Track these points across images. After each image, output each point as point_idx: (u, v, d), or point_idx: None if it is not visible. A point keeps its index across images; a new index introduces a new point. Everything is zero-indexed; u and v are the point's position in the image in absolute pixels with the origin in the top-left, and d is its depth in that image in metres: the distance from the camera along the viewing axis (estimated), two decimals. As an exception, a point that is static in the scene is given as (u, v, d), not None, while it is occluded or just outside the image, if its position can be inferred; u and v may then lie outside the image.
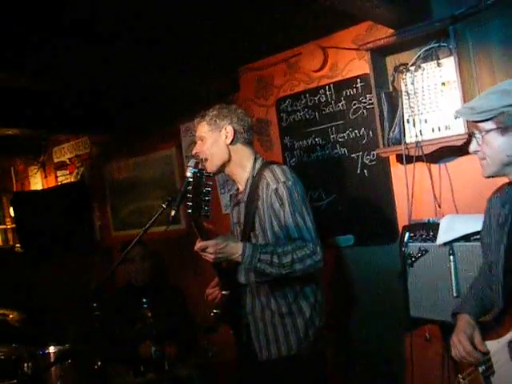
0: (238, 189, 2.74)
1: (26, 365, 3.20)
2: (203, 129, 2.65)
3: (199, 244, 2.37)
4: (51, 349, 3.19)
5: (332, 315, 2.82)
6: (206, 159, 2.62)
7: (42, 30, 2.88)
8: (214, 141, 2.62)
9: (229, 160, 2.64)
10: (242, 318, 2.64)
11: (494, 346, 1.97)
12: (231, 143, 2.62)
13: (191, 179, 2.48)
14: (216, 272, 2.66)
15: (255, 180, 2.56)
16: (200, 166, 2.58)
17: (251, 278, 2.54)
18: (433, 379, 3.01)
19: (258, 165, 2.63)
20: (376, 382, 3.36)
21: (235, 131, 2.62)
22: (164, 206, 2.65)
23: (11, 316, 4.91)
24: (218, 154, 2.63)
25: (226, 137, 2.61)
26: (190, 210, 2.31)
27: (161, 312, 3.53)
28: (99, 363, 3.17)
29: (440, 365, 2.95)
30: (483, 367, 1.99)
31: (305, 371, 2.55)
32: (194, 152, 2.69)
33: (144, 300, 3.52)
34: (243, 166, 2.65)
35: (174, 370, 3.45)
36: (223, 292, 2.65)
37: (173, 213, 2.51)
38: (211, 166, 2.63)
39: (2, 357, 3.45)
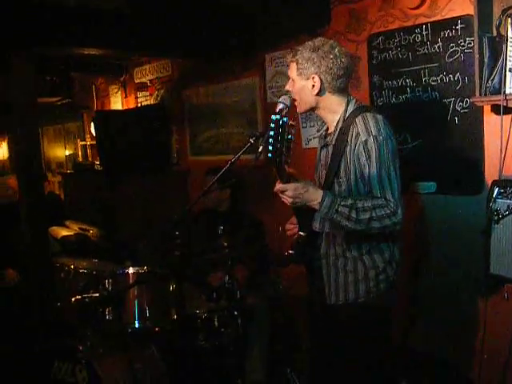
0: (327, 129, 2.66)
1: (106, 281, 3.35)
2: (293, 70, 2.53)
3: (278, 186, 2.32)
4: (130, 270, 3.31)
5: (406, 264, 2.78)
6: (295, 100, 2.55)
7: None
8: (302, 87, 2.51)
9: (316, 107, 2.56)
10: (315, 260, 2.64)
11: None
12: (318, 94, 2.50)
13: (279, 116, 2.47)
14: (294, 213, 2.66)
15: (345, 124, 2.47)
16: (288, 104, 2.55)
17: (326, 227, 2.51)
18: (505, 340, 2.97)
19: (350, 108, 2.51)
20: (446, 338, 3.34)
21: (322, 82, 2.47)
22: (252, 140, 2.63)
23: (91, 232, 5.17)
24: (304, 100, 2.54)
25: (313, 86, 2.48)
26: (270, 154, 2.24)
27: (237, 240, 3.60)
28: (174, 286, 3.31)
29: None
30: None
31: (369, 321, 2.53)
32: (286, 88, 2.60)
33: (221, 227, 3.60)
34: (334, 110, 2.55)
35: (244, 299, 3.55)
36: (300, 233, 2.65)
37: (260, 148, 2.50)
38: (299, 108, 2.58)
39: (85, 271, 3.65)
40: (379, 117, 2.41)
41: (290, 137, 2.23)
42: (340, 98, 2.54)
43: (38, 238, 4.05)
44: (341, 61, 2.47)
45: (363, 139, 2.36)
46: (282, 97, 2.56)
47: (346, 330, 2.54)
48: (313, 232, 2.60)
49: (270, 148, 2.21)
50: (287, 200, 2.34)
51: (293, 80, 2.55)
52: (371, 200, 2.33)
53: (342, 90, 2.53)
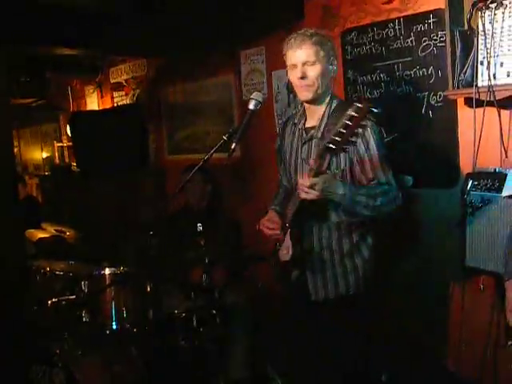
0: (304, 123, 2.66)
1: (83, 283, 3.32)
2: (315, 53, 2.46)
3: (310, 180, 2.25)
4: (107, 270, 3.29)
5: (384, 256, 2.79)
6: (312, 84, 2.49)
7: None
8: (325, 71, 2.51)
9: (325, 93, 2.57)
10: (300, 256, 2.62)
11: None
12: (332, 78, 2.59)
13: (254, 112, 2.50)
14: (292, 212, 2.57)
15: (332, 118, 2.48)
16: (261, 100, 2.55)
17: (341, 216, 2.53)
18: (482, 331, 2.99)
19: (334, 103, 2.57)
20: (424, 328, 3.35)
21: (336, 67, 2.60)
22: (225, 137, 2.60)
23: (68, 233, 5.12)
24: (325, 85, 2.53)
25: (334, 71, 2.58)
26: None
27: (214, 238, 3.58)
28: (151, 286, 3.29)
29: (490, 317, 2.92)
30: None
31: (359, 311, 2.58)
32: (299, 76, 2.49)
33: (198, 225, 3.58)
34: (323, 101, 2.57)
35: (223, 297, 3.54)
36: (286, 224, 2.58)
37: (233, 145, 2.51)
38: (313, 95, 2.52)
39: (61, 273, 3.60)
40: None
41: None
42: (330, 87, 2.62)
43: (13, 240, 3.99)
44: None
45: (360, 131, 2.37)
46: (255, 93, 2.60)
47: (336, 323, 2.53)
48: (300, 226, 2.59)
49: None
50: (314, 194, 2.27)
51: (313, 63, 2.48)
52: (380, 187, 2.43)
53: None
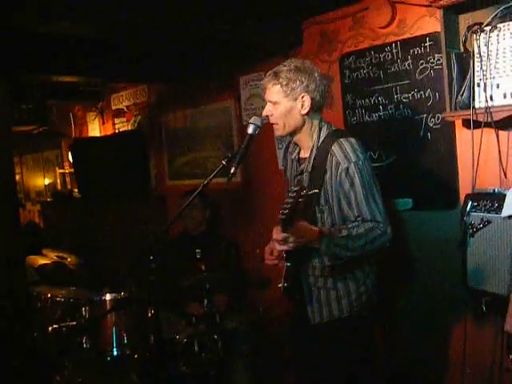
0: (298, 152, 2.67)
1: (83, 309, 3.31)
2: (276, 92, 2.48)
3: (281, 236, 2.26)
4: (107, 296, 3.28)
5: (385, 279, 2.78)
6: (277, 124, 2.53)
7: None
8: (289, 109, 2.48)
9: (300, 129, 2.54)
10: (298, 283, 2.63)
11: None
12: (307, 113, 2.50)
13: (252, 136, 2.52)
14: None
15: (320, 151, 2.48)
16: (260, 124, 2.56)
17: (325, 261, 2.49)
18: (485, 353, 2.96)
19: (323, 133, 2.53)
20: (426, 350, 3.32)
21: (312, 100, 2.47)
22: (224, 162, 2.60)
23: (69, 259, 5.12)
24: (291, 123, 2.51)
25: (303, 106, 2.47)
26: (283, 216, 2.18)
27: (214, 264, 3.58)
28: (152, 312, 3.27)
29: (494, 339, 2.89)
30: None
31: (354, 333, 2.55)
32: (264, 114, 2.55)
33: (197, 250, 3.58)
34: (311, 133, 2.56)
35: (224, 323, 3.52)
36: (287, 264, 2.58)
37: (232, 169, 2.51)
38: (281, 131, 2.55)
39: (62, 299, 3.60)
40: (353, 141, 2.46)
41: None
42: (318, 119, 2.57)
43: (14, 267, 3.99)
44: (323, 79, 2.54)
45: (344, 167, 2.39)
46: (253, 117, 2.60)
47: (332, 346, 2.54)
48: (299, 262, 2.57)
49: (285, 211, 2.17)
50: (288, 247, 2.31)
51: (275, 103, 2.51)
52: (363, 225, 2.37)
53: (321, 110, 2.58)
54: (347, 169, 2.38)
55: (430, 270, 3.30)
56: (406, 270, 3.46)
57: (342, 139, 2.45)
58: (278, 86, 2.47)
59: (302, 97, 2.46)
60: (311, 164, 2.52)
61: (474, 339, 3.03)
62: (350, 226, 2.40)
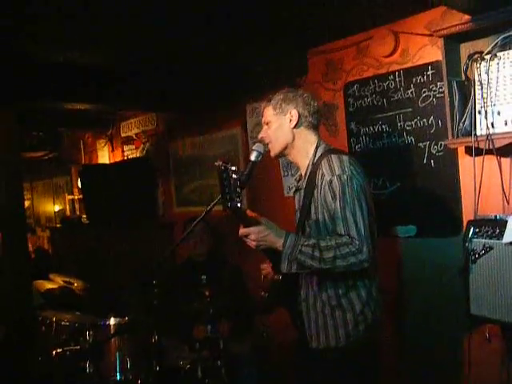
0: (300, 174, 2.71)
1: (88, 333, 3.31)
2: (269, 113, 2.63)
3: (241, 230, 2.36)
4: (111, 321, 3.29)
5: (389, 307, 2.77)
6: (270, 142, 2.62)
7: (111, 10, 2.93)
8: (279, 125, 2.60)
9: (292, 144, 2.61)
10: (296, 304, 2.64)
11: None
12: (295, 127, 2.58)
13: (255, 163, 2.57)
14: (266, 256, 2.64)
15: (314, 167, 2.53)
16: (262, 151, 2.61)
17: (293, 268, 2.43)
18: (490, 381, 2.93)
19: (319, 152, 2.57)
20: (431, 380, 3.29)
21: (300, 115, 2.58)
22: None
23: (76, 284, 5.13)
24: (281, 137, 2.60)
25: (291, 120, 2.58)
26: (225, 204, 2.25)
27: (218, 289, 3.58)
28: (156, 337, 3.27)
29: (499, 367, 2.86)
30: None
31: (352, 364, 2.51)
32: (259, 136, 2.67)
33: (203, 276, 3.58)
34: (306, 151, 2.61)
35: (228, 348, 3.50)
36: (275, 276, 2.64)
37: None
38: (274, 149, 2.63)
39: (67, 323, 3.60)
40: (344, 157, 2.47)
41: (234, 177, 2.23)
42: (314, 137, 2.62)
43: (21, 291, 4.03)
44: (314, 100, 2.64)
45: (328, 179, 2.41)
46: (256, 144, 2.66)
47: (329, 374, 2.52)
48: (287, 274, 2.59)
49: (225, 198, 2.24)
50: (251, 244, 2.37)
51: (268, 123, 2.63)
52: (335, 238, 2.34)
53: (316, 129, 2.64)
54: (330, 181, 2.40)
55: (434, 298, 3.29)
56: (410, 297, 3.45)
57: (333, 155, 2.49)
58: (271, 107, 2.62)
59: (290, 112, 2.58)
60: (306, 181, 2.56)
61: (479, 368, 3.00)
62: (320, 236, 2.42)
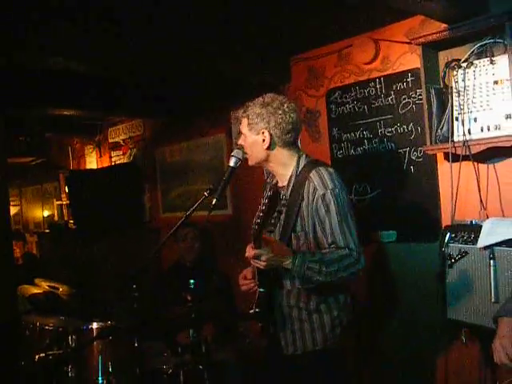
0: (276, 183, 2.71)
1: (70, 337, 3.32)
2: (244, 125, 2.61)
3: (253, 252, 2.32)
4: (94, 325, 3.29)
5: (367, 310, 2.80)
6: (247, 153, 2.62)
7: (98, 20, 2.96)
8: (253, 142, 2.58)
9: (267, 160, 2.62)
10: (270, 312, 2.62)
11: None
12: (269, 148, 2.57)
13: (234, 169, 2.58)
14: (256, 270, 2.63)
15: (299, 179, 2.53)
16: (241, 157, 2.63)
17: (296, 283, 2.52)
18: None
19: (301, 163, 2.58)
20: (408, 382, 3.32)
21: (272, 137, 2.55)
22: (206, 194, 2.66)
23: (61, 289, 5.11)
24: (255, 154, 2.61)
25: (264, 141, 2.56)
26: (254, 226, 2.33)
27: (204, 294, 3.59)
28: (138, 341, 3.28)
29: (476, 370, 2.90)
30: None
31: (328, 367, 2.54)
32: (238, 143, 2.68)
33: (191, 281, 3.60)
34: (285, 164, 2.61)
35: (210, 353, 3.51)
36: (260, 290, 2.61)
37: (214, 201, 2.57)
38: (250, 161, 2.65)
39: (51, 328, 3.61)
40: (331, 170, 2.51)
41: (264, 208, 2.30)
42: (290, 152, 2.61)
43: (6, 297, 4.02)
44: (290, 116, 2.56)
45: (321, 193, 2.43)
46: (235, 150, 2.65)
47: (306, 378, 2.53)
48: (272, 288, 2.60)
49: (257, 221, 2.30)
50: (261, 264, 2.36)
51: (244, 134, 2.63)
52: (337, 252, 2.40)
53: (291, 144, 2.61)
54: (324, 195, 2.42)
55: (413, 302, 3.32)
56: (389, 301, 3.48)
57: (321, 167, 2.51)
58: (245, 119, 2.60)
59: (263, 132, 2.55)
60: (289, 192, 2.56)
61: (456, 368, 3.04)
62: (323, 251, 2.44)
